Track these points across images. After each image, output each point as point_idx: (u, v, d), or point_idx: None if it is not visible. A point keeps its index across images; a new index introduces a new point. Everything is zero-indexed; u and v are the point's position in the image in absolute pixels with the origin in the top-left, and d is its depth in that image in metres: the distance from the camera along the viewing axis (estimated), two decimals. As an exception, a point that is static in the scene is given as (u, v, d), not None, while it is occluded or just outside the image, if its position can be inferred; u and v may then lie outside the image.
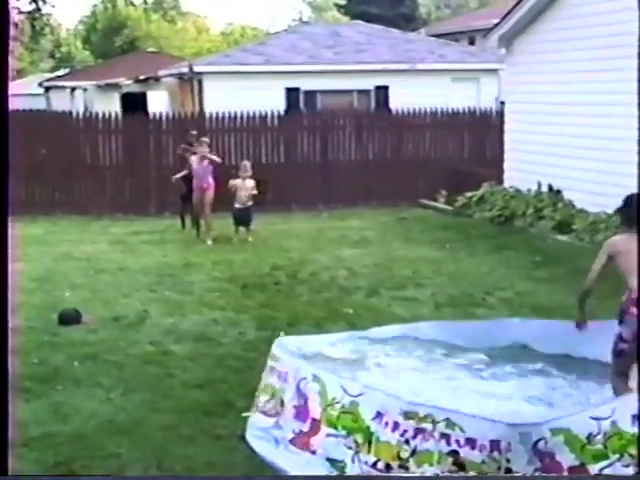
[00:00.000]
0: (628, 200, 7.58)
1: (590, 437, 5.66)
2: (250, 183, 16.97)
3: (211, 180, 17.04)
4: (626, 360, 7.09)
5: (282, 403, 6.54)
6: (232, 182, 17.03)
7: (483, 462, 5.59)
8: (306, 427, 6.26)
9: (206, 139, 17.94)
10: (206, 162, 16.97)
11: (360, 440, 5.91)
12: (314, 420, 6.21)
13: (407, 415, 5.78)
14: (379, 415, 5.87)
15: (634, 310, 7.15)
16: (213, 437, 6.91)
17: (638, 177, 10.47)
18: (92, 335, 10.00)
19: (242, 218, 16.84)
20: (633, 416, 5.79)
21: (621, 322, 7.32)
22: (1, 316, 4.08)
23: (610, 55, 15.63)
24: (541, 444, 5.58)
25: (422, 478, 5.64)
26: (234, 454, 6.55)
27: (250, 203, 16.93)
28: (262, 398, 6.82)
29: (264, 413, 6.69)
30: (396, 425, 5.79)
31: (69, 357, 9.08)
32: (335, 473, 5.96)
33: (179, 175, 18.07)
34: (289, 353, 6.92)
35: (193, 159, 17.26)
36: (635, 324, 7.04)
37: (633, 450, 5.72)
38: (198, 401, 7.73)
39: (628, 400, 6.02)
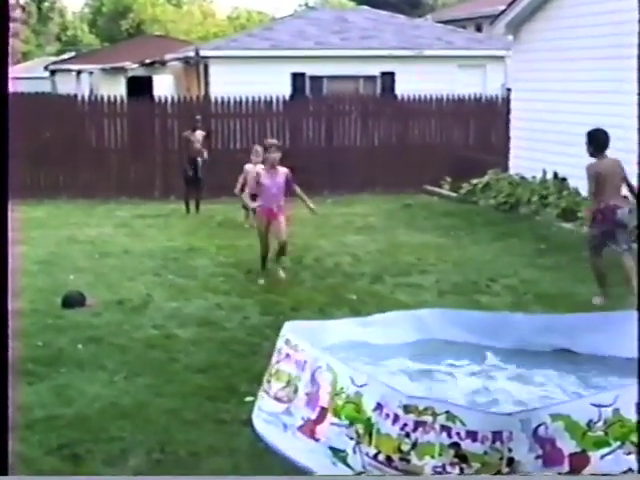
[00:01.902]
0: (590, 136, 11.01)
1: (590, 424, 5.65)
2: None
3: (282, 201, 12.20)
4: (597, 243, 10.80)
5: (296, 390, 6.54)
6: (245, 167, 16.87)
7: (485, 453, 5.58)
8: (314, 415, 6.26)
9: (274, 141, 13.71)
10: (282, 174, 12.03)
11: (361, 431, 5.91)
12: (322, 409, 6.22)
13: (407, 409, 5.77)
14: (379, 407, 5.87)
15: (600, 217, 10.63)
16: (216, 421, 6.91)
17: (638, 176, 10.54)
18: (96, 318, 10.01)
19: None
20: (637, 404, 5.79)
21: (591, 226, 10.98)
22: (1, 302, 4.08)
23: (617, 43, 15.58)
24: (541, 430, 5.58)
25: (426, 478, 5.64)
26: (237, 439, 6.56)
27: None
28: (275, 384, 6.79)
29: (277, 399, 6.67)
30: (396, 418, 5.78)
31: (73, 340, 9.08)
32: (337, 462, 5.96)
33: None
34: (310, 342, 6.87)
35: (258, 170, 12.48)
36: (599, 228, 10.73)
37: (635, 438, 5.71)
38: (201, 385, 7.74)
39: (631, 389, 6.01)
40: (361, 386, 6.04)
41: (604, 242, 10.83)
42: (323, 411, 6.20)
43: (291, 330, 7.16)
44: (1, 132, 4.13)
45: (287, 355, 6.85)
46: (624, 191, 11.13)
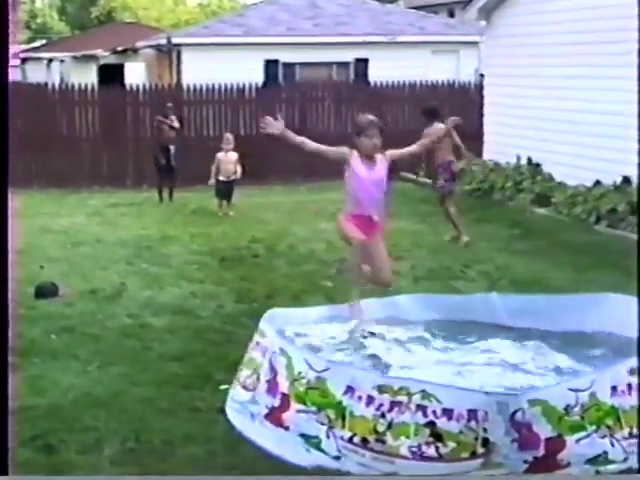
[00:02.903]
0: (424, 110, 14.20)
1: (568, 408, 5.68)
2: (233, 156, 16.87)
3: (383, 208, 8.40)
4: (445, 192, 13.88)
5: (258, 377, 6.52)
6: (217, 156, 16.89)
7: (461, 432, 5.60)
8: (277, 402, 6.23)
9: (371, 117, 8.58)
10: (382, 166, 8.22)
11: (332, 415, 5.89)
12: (284, 395, 6.19)
13: (381, 389, 5.77)
14: (350, 389, 5.85)
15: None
16: (191, 410, 6.86)
17: (638, 167, 10.71)
18: (69, 308, 9.92)
19: (225, 191, 16.73)
20: (612, 387, 5.81)
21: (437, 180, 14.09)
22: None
23: (588, 28, 15.62)
24: (518, 415, 5.60)
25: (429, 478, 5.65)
26: (212, 427, 6.52)
27: (234, 177, 16.83)
28: (244, 372, 6.79)
29: (245, 387, 6.66)
30: (370, 399, 5.77)
31: (46, 330, 9.01)
32: (310, 449, 5.94)
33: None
34: (272, 327, 6.85)
35: (353, 159, 8.30)
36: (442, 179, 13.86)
37: (610, 421, 5.75)
38: (176, 374, 7.68)
39: (608, 372, 6.03)
40: (322, 371, 6.01)
41: (449, 191, 14.05)
42: (285, 397, 6.17)
43: (269, 318, 7.13)
44: (1, 123, 4.08)
45: (257, 343, 6.84)
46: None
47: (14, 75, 34.63)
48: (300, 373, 6.13)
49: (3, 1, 4.30)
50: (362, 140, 8.19)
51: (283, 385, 6.22)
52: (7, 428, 4.12)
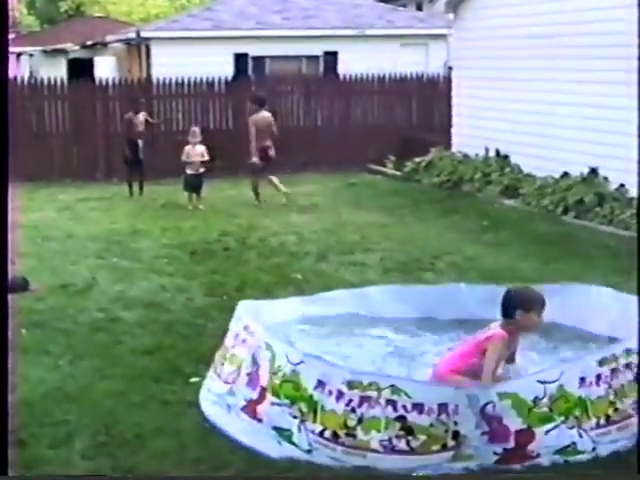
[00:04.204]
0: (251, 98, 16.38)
1: (536, 400, 5.75)
2: (200, 149, 16.90)
3: None
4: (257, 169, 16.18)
5: (239, 371, 6.53)
6: (185, 149, 16.94)
7: (431, 425, 5.66)
8: (255, 395, 6.27)
9: None
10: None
11: (304, 409, 5.93)
12: (262, 388, 6.23)
13: (350, 384, 5.81)
14: (321, 384, 5.89)
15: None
16: (162, 403, 6.90)
17: (638, 168, 10.80)
18: (40, 303, 9.93)
19: (194, 184, 16.76)
20: (581, 379, 5.89)
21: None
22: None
23: (556, 20, 15.72)
24: (489, 408, 5.67)
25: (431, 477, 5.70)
26: (183, 420, 6.56)
27: (202, 169, 16.86)
28: (227, 367, 6.74)
29: (226, 382, 6.66)
30: (340, 394, 5.82)
31: (16, 325, 8.97)
32: (282, 441, 5.98)
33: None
34: (260, 325, 6.85)
35: None
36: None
37: (578, 412, 5.82)
38: (147, 367, 7.71)
39: (577, 364, 6.11)
40: (297, 364, 6.05)
41: (263, 169, 16.79)
42: (263, 391, 6.21)
43: (245, 311, 7.13)
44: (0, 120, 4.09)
45: (243, 340, 6.79)
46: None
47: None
48: (279, 367, 6.16)
49: (3, 1, 4.31)
50: None
51: (264, 378, 6.25)
52: (7, 430, 4.12)
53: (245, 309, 7.22)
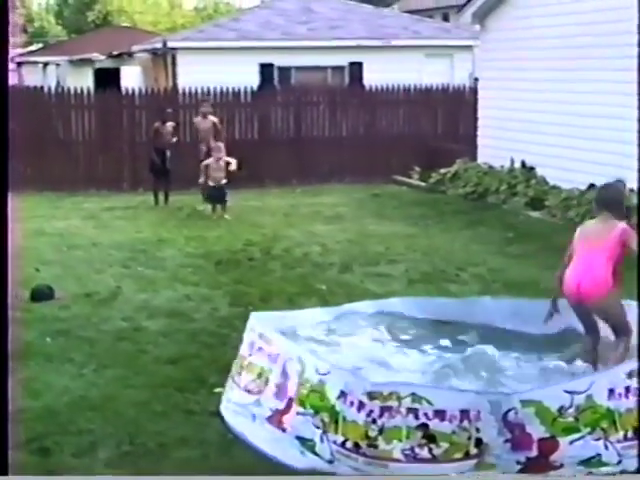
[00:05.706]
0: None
1: (562, 410, 5.71)
2: (223, 163, 16.98)
3: None
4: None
5: (267, 382, 6.52)
6: (205, 162, 17.05)
7: (453, 432, 5.65)
8: (282, 405, 6.27)
9: None
10: None
11: (327, 419, 5.93)
12: (290, 399, 6.23)
13: (371, 395, 5.81)
14: (343, 394, 5.89)
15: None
16: (185, 413, 6.91)
17: (638, 170, 10.70)
18: (64, 311, 9.96)
19: (217, 196, 16.78)
20: (610, 390, 5.84)
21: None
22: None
23: (582, 32, 15.66)
24: (511, 415, 5.64)
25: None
26: (206, 430, 6.56)
27: (224, 181, 16.89)
28: (246, 377, 6.77)
29: (248, 391, 6.66)
30: (361, 405, 5.81)
31: (41, 333, 9.04)
32: (305, 452, 5.98)
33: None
34: (283, 335, 6.87)
35: None
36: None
37: (605, 424, 5.78)
38: (170, 377, 7.72)
39: (607, 375, 6.07)
40: (324, 374, 6.05)
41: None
42: (290, 401, 6.21)
43: (259, 322, 7.15)
44: (1, 125, 4.10)
45: (260, 348, 6.81)
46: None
47: (11, 79, 34.66)
48: (307, 378, 6.17)
49: (2, 5, 4.33)
50: None
51: (292, 390, 6.26)
52: (7, 430, 4.14)
53: (258, 319, 7.25)
